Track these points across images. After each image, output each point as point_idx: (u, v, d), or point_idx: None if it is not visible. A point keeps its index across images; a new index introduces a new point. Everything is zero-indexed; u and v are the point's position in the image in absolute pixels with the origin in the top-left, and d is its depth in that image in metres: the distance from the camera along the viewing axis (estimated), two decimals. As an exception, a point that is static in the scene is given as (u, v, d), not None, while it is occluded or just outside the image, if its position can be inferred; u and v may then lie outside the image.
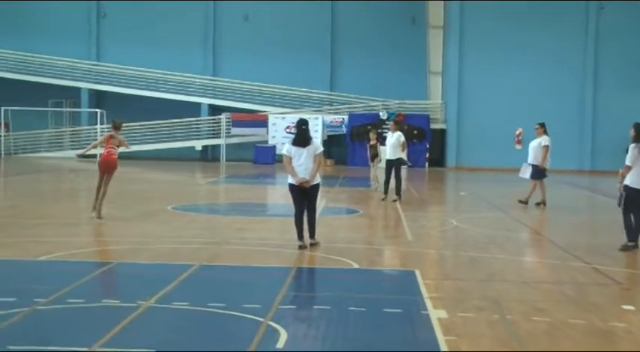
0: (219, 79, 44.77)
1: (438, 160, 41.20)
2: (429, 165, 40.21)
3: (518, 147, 39.07)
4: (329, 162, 39.99)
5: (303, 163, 12.10)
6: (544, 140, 19.89)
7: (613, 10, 40.49)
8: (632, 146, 12.48)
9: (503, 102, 40.37)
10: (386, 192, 20.76)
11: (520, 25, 40.51)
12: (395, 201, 20.19)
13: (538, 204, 19.91)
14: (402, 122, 39.43)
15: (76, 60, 44.41)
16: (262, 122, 41.39)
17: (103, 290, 9.39)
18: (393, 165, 20.55)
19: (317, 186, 12.29)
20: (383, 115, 40.32)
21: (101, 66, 44.81)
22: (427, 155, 40.30)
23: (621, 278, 10.75)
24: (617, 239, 13.28)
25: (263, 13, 45.16)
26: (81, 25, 45.59)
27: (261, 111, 42.71)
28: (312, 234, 12.41)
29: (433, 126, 41.25)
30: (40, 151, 42.98)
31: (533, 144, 20.11)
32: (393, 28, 44.48)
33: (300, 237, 12.27)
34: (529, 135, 39.88)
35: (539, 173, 19.94)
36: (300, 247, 12.14)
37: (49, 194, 22.42)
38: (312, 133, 12.97)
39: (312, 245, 12.31)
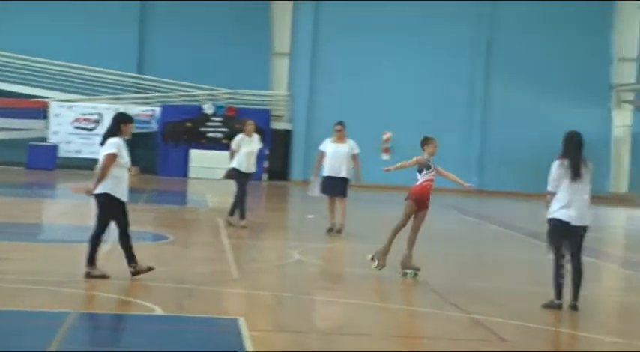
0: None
1: (280, 171, 41.48)
2: (269, 178, 40.38)
3: (385, 156, 39.79)
4: (133, 169, 39.47)
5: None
6: (354, 145, 20.38)
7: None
8: (556, 163, 12.36)
9: (368, 97, 40.93)
10: (243, 216, 20.25)
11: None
12: (244, 227, 20.08)
13: (334, 230, 20.13)
14: (232, 119, 39.78)
15: None
16: (40, 111, 40.57)
17: None
18: (250, 179, 20.71)
19: (97, 197, 12.84)
20: (208, 109, 40.31)
21: None
22: (266, 164, 40.45)
23: (508, 332, 11.07)
24: (508, 281, 13.63)
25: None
26: None
27: (39, 97, 41.79)
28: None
29: (275, 125, 41.45)
30: None
31: (340, 150, 20.33)
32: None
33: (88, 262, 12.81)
34: (400, 142, 40.90)
35: (345, 188, 20.36)
36: (88, 275, 12.68)
37: None
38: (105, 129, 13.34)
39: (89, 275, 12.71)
